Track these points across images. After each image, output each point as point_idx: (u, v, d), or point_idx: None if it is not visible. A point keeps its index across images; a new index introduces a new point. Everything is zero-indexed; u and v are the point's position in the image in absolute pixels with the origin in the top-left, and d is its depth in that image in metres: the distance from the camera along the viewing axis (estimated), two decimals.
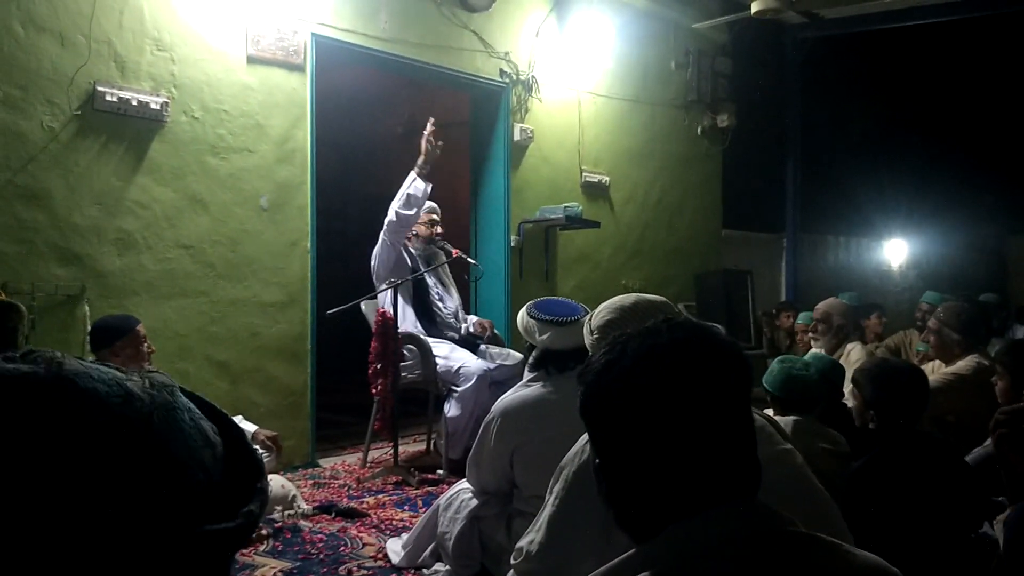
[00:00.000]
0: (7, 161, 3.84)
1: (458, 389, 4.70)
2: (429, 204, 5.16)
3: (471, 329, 5.22)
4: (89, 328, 3.88)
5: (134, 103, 4.18)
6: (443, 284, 5.27)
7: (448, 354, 4.83)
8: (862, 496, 2.75)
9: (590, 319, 2.33)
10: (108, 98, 4.09)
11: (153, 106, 4.24)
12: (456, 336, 5.08)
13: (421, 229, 5.14)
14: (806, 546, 1.03)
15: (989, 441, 2.91)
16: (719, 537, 1.02)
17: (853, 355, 4.48)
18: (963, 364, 3.93)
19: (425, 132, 4.93)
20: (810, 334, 4.89)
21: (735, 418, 1.09)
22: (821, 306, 4.80)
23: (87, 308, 4.06)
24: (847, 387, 3.95)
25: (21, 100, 3.87)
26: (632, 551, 1.08)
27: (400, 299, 4.74)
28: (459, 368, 4.73)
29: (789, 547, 1.02)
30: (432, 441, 5.27)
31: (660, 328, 1.13)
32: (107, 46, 4.13)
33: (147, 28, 4.25)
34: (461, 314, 5.30)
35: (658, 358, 1.08)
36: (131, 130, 4.21)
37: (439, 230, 5.19)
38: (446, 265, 5.19)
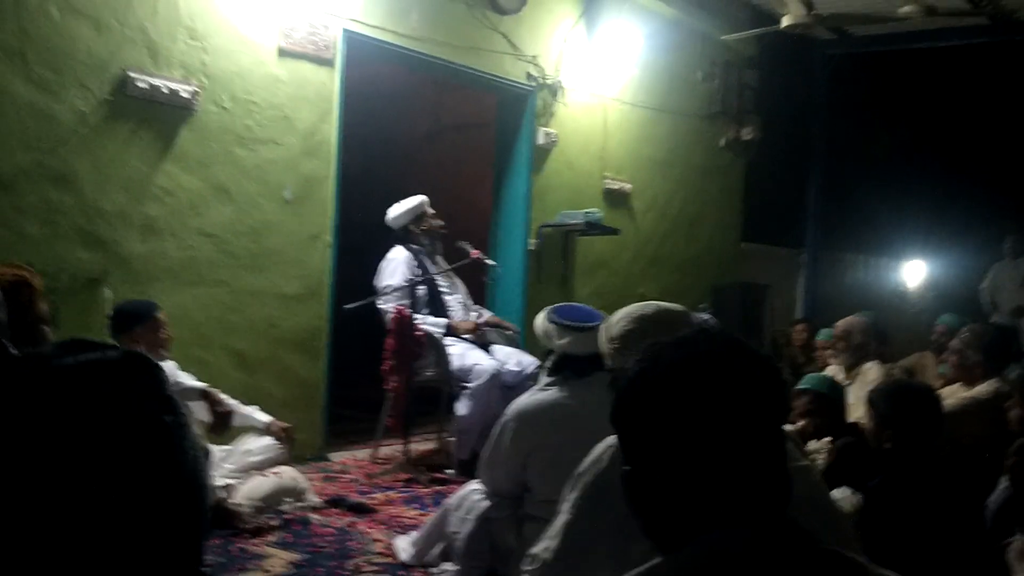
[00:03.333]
0: (37, 143, 3.87)
1: (470, 386, 4.72)
2: (421, 199, 5.19)
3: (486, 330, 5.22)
4: (110, 312, 3.91)
5: (164, 91, 4.20)
6: (453, 278, 5.31)
7: (462, 352, 4.85)
8: (875, 516, 2.74)
9: (607, 327, 2.32)
10: (139, 84, 4.12)
11: (183, 94, 4.27)
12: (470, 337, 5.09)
13: (429, 224, 5.18)
14: (834, 564, 1.03)
15: (1006, 482, 2.89)
16: (747, 551, 1.02)
17: (871, 374, 4.46)
18: (982, 388, 3.91)
19: None
20: (830, 351, 4.87)
21: (768, 432, 1.09)
22: (842, 323, 4.78)
23: (109, 292, 4.08)
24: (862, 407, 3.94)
25: (54, 83, 3.90)
26: (657, 561, 1.08)
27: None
28: (473, 365, 4.75)
29: (817, 564, 1.02)
30: (443, 440, 5.28)
31: (696, 338, 1.13)
32: (140, 33, 4.16)
33: (181, 16, 4.28)
34: (469, 303, 5.34)
35: (693, 368, 1.09)
36: (160, 117, 4.24)
37: (439, 221, 5.21)
38: (468, 262, 5.21)
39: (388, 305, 4.83)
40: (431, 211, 5.21)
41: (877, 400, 2.99)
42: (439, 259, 5.26)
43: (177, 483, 0.72)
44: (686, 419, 1.06)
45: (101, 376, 0.71)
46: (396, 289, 4.87)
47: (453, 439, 4.86)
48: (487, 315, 5.38)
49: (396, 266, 5.03)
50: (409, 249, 5.11)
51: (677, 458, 1.07)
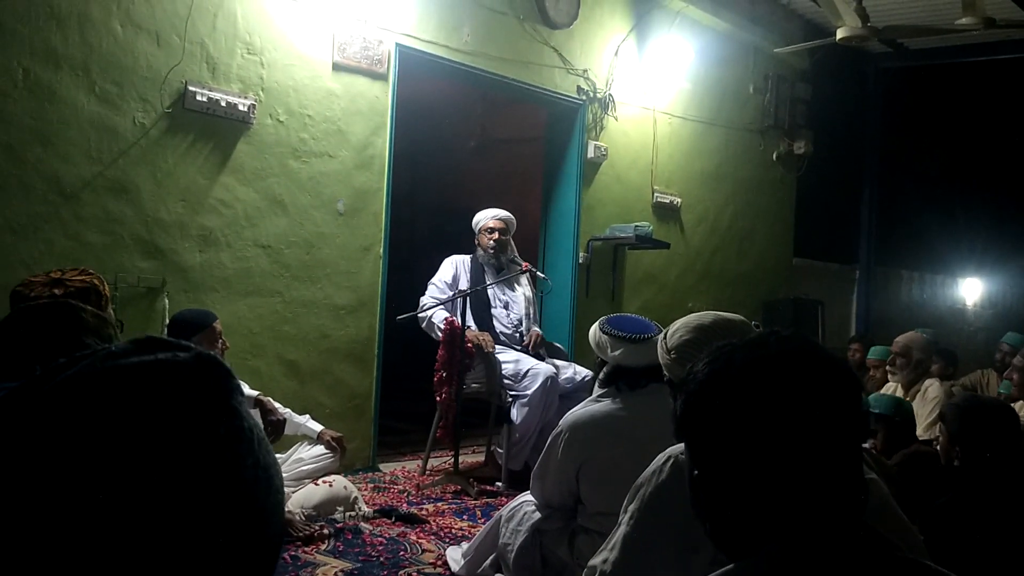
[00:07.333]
0: (99, 154, 3.96)
1: (525, 393, 4.71)
2: (490, 214, 5.19)
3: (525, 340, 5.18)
4: (167, 321, 3.97)
5: (223, 104, 4.28)
6: (512, 293, 5.26)
7: (517, 357, 4.86)
8: (943, 535, 2.66)
9: (665, 338, 2.28)
10: (198, 98, 4.20)
11: (241, 108, 4.34)
12: (518, 348, 5.08)
13: (482, 240, 5.19)
14: (915, 573, 1.00)
15: None
16: (823, 558, 0.99)
17: (931, 392, 4.36)
18: None
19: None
20: (888, 367, 4.77)
21: (842, 436, 1.06)
22: (901, 339, 4.68)
23: (166, 301, 4.15)
24: (923, 422, 3.84)
25: (116, 96, 3.99)
26: (728, 568, 1.05)
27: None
28: (527, 371, 4.74)
29: (897, 572, 0.99)
30: (492, 452, 5.26)
31: (768, 340, 1.10)
32: (200, 47, 4.24)
33: (239, 32, 4.36)
34: (526, 324, 5.26)
35: (766, 370, 1.06)
36: (218, 130, 4.32)
37: (495, 240, 5.13)
38: (520, 275, 5.20)
39: (428, 303, 4.90)
40: (491, 226, 5.16)
41: (948, 416, 2.91)
42: (510, 271, 5.23)
43: (232, 498, 0.66)
44: (760, 422, 1.03)
45: (162, 379, 0.66)
46: (444, 301, 4.89)
47: (502, 451, 4.84)
48: (535, 331, 5.30)
49: (446, 265, 5.14)
50: (474, 256, 5.16)
51: (750, 462, 1.04)
